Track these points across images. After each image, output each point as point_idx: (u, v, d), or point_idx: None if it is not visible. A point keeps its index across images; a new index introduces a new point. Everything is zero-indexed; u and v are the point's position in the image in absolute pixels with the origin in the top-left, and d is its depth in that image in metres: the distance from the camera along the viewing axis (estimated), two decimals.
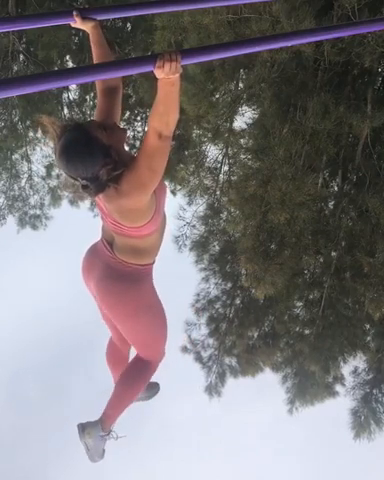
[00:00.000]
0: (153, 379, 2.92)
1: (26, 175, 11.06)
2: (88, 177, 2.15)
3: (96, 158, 2.13)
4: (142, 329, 2.68)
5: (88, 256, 2.67)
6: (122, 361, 2.94)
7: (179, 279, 8.69)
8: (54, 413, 8.74)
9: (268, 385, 8.92)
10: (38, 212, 10.84)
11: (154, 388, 3.09)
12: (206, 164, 9.77)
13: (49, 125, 2.16)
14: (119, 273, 2.53)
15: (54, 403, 8.84)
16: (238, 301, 9.42)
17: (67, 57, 10.89)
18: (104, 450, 2.80)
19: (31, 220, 10.78)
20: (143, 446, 9.28)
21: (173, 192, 9.50)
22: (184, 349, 9.07)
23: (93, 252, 2.64)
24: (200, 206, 9.53)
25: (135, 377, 2.77)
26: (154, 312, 2.68)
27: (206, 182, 9.64)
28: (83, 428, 2.71)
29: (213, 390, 9.11)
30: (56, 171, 10.78)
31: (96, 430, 2.72)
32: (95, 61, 2.48)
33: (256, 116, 9.06)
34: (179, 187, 9.71)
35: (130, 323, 2.65)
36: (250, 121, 9.18)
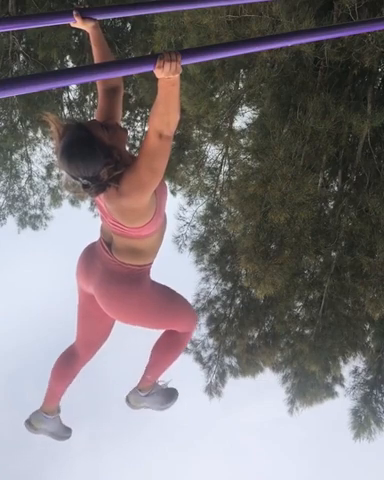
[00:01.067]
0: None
1: (26, 175, 11.06)
2: (89, 177, 2.15)
3: (97, 158, 2.13)
4: (159, 319, 2.70)
5: (86, 257, 2.66)
6: (72, 373, 2.91)
7: (179, 279, 8.68)
8: None
9: (268, 385, 8.92)
10: (38, 212, 10.84)
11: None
12: (206, 164, 9.77)
13: (53, 123, 2.16)
14: (118, 276, 2.52)
15: None
16: (238, 301, 9.42)
17: (67, 57, 10.89)
18: (172, 390, 2.98)
19: (31, 220, 10.78)
20: (143, 446, 9.28)
21: (173, 192, 9.50)
22: (184, 349, 9.06)
23: (91, 253, 2.62)
24: (200, 206, 9.53)
25: (173, 344, 2.85)
26: (160, 296, 2.68)
27: (206, 182, 9.65)
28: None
29: (213, 390, 9.11)
30: (56, 171, 10.78)
31: (138, 396, 2.91)
32: (95, 61, 2.48)
33: (256, 116, 9.06)
34: (179, 187, 9.71)
35: (144, 321, 2.69)
36: (250, 121, 9.18)
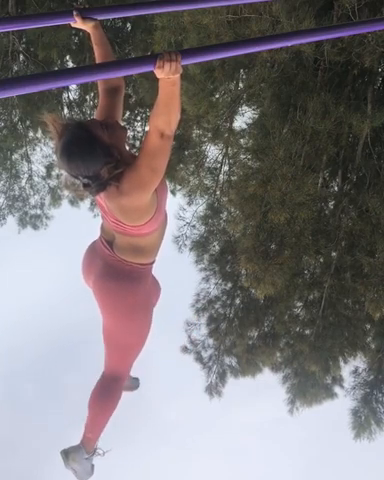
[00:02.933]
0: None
1: (26, 175, 11.06)
2: (89, 176, 2.15)
3: (98, 157, 2.13)
4: (130, 331, 2.64)
5: (88, 254, 2.67)
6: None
7: (179, 279, 8.68)
8: (52, 413, 8.75)
9: (268, 385, 8.92)
10: (38, 212, 10.84)
11: (135, 382, 3.05)
12: (206, 164, 9.77)
13: (51, 123, 2.16)
14: (117, 271, 2.53)
15: (52, 403, 8.84)
16: (238, 301, 9.42)
17: (67, 57, 10.89)
18: (93, 465, 2.78)
19: (31, 220, 10.78)
20: (143, 446, 9.28)
21: (173, 192, 9.50)
22: (184, 349, 9.07)
23: (92, 250, 2.64)
24: (200, 206, 9.53)
25: (106, 396, 2.71)
26: (144, 318, 2.65)
27: (206, 182, 9.64)
28: (66, 455, 2.69)
29: (213, 390, 9.11)
30: (56, 171, 10.78)
31: (80, 454, 2.69)
32: (97, 61, 2.48)
33: (256, 116, 9.06)
34: (179, 187, 9.71)
35: (121, 323, 2.62)
36: (250, 121, 9.18)
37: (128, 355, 2.71)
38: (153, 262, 2.63)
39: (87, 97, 11.09)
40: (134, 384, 3.06)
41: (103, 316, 2.66)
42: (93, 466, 2.78)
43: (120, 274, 2.52)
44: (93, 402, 2.71)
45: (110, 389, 2.70)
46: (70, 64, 10.79)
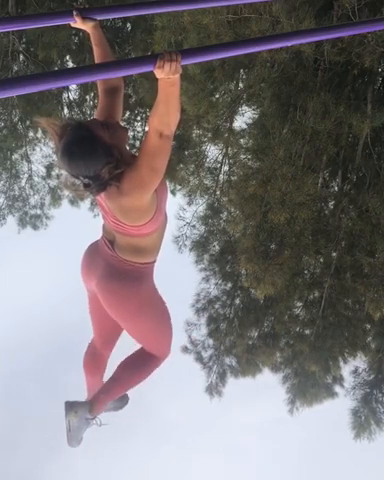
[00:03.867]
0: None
1: (26, 175, 11.06)
2: (90, 176, 2.15)
3: (98, 157, 2.14)
4: (147, 327, 2.68)
5: (89, 254, 2.67)
6: (101, 366, 2.88)
7: (179, 279, 8.68)
8: (51, 413, 8.73)
9: (268, 385, 8.92)
10: (38, 212, 10.84)
11: (124, 399, 2.99)
12: (206, 164, 9.77)
13: (48, 127, 2.16)
14: (121, 272, 2.53)
15: (52, 403, 8.83)
16: (238, 301, 9.42)
17: (67, 57, 10.89)
18: (82, 438, 2.75)
19: (31, 220, 10.78)
20: (143, 446, 9.28)
21: (173, 192, 9.50)
22: (184, 349, 9.07)
23: (94, 250, 2.64)
24: (200, 206, 9.53)
25: (140, 367, 2.75)
26: (157, 309, 2.68)
27: (206, 182, 9.64)
28: (71, 406, 2.67)
29: (214, 390, 9.11)
30: (56, 171, 10.78)
31: (83, 411, 2.68)
32: (96, 61, 2.48)
33: (256, 116, 9.06)
34: (179, 187, 9.71)
35: (134, 322, 2.66)
36: (250, 121, 9.18)
37: (157, 345, 2.75)
38: (154, 261, 2.63)
39: (87, 97, 11.09)
40: (122, 403, 3.01)
41: (115, 317, 2.68)
42: (82, 438, 2.76)
43: (123, 274, 2.53)
44: (125, 367, 2.74)
45: (146, 363, 2.75)
46: (70, 64, 10.79)
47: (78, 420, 2.66)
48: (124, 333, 2.85)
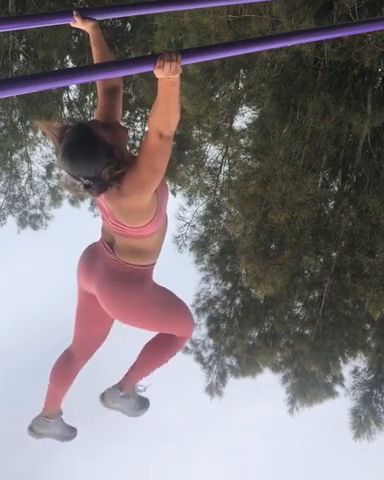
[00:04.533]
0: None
1: (26, 175, 11.06)
2: (91, 176, 2.14)
3: (99, 157, 2.13)
4: (158, 320, 2.68)
5: (87, 258, 2.64)
6: (70, 378, 2.88)
7: (179, 279, 8.67)
8: None
9: (268, 385, 8.92)
10: (38, 212, 10.84)
11: (72, 431, 2.99)
12: (206, 164, 9.77)
13: (46, 130, 2.16)
14: (120, 275, 2.51)
15: None
16: (238, 301, 9.42)
17: (67, 57, 10.89)
18: (143, 399, 2.89)
19: (31, 220, 10.78)
20: (143, 446, 9.27)
21: (173, 192, 9.49)
22: (184, 349, 9.07)
23: (92, 254, 2.62)
24: (200, 206, 9.53)
25: (166, 346, 2.78)
26: (162, 300, 2.67)
27: (206, 182, 9.64)
28: (102, 398, 2.81)
29: (214, 390, 9.11)
30: (56, 171, 10.78)
31: (115, 394, 2.78)
32: (95, 61, 2.48)
33: (256, 116, 9.06)
34: (179, 187, 9.70)
35: (144, 321, 2.66)
36: (250, 121, 9.18)
37: (178, 328, 2.75)
38: (154, 263, 2.62)
39: (87, 97, 11.09)
40: (70, 434, 2.98)
41: (122, 321, 2.68)
42: (144, 400, 2.89)
43: (123, 277, 2.51)
44: (151, 345, 2.79)
45: (173, 341, 2.77)
46: (70, 64, 10.79)
47: (120, 403, 2.81)
48: (105, 345, 2.87)
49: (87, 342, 2.83)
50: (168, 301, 2.70)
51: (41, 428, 2.84)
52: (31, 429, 2.84)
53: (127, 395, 2.82)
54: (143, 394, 2.90)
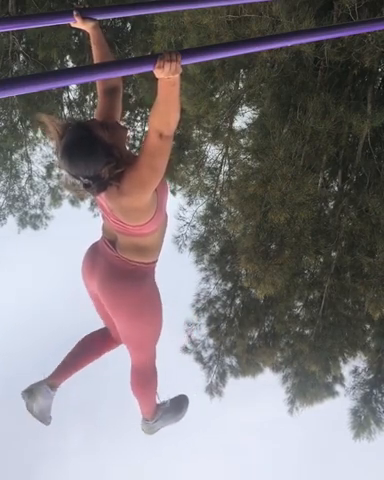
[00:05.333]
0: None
1: (26, 175, 11.06)
2: (90, 176, 2.15)
3: (99, 157, 2.13)
4: (143, 328, 2.67)
5: (89, 256, 2.66)
6: (97, 353, 2.91)
7: (179, 279, 8.68)
8: (51, 413, 8.71)
9: (268, 385, 8.92)
10: (38, 212, 10.84)
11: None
12: (206, 164, 9.77)
13: (49, 123, 2.16)
14: (123, 271, 2.53)
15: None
16: (238, 301, 9.42)
17: (67, 57, 10.89)
18: (180, 399, 3.04)
19: (31, 220, 10.78)
20: (142, 446, 9.27)
21: (173, 192, 9.50)
22: (184, 349, 9.07)
23: (94, 252, 2.63)
24: (200, 206, 9.53)
25: (145, 382, 2.86)
26: (156, 313, 2.68)
27: (206, 182, 9.65)
28: (144, 426, 3.02)
29: (214, 390, 9.11)
30: (56, 171, 10.78)
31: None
32: (95, 61, 2.48)
33: (256, 116, 9.06)
34: (179, 187, 9.71)
35: (132, 322, 2.64)
36: (250, 121, 9.18)
37: (148, 349, 2.78)
38: (156, 261, 2.63)
39: (87, 97, 11.09)
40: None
41: (114, 317, 2.67)
42: (179, 400, 3.02)
43: (125, 274, 2.53)
44: (137, 390, 2.88)
45: (146, 377, 2.84)
46: (70, 64, 10.80)
47: (162, 422, 2.99)
48: None
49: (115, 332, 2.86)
50: (160, 315, 2.72)
51: (39, 394, 2.74)
52: (30, 392, 2.73)
53: (158, 418, 2.98)
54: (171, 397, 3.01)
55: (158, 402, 2.96)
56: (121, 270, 2.52)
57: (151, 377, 2.86)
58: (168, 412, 2.98)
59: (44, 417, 2.78)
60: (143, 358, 2.79)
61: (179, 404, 3.01)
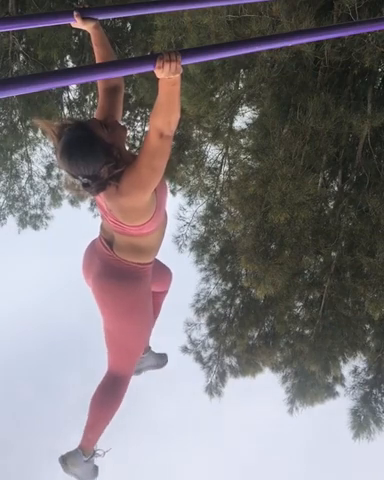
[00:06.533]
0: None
1: (26, 175, 11.06)
2: (89, 175, 2.15)
3: (98, 156, 2.13)
4: (129, 331, 2.63)
5: (87, 252, 2.67)
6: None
7: (179, 279, 8.66)
8: (48, 412, 8.73)
9: (268, 385, 8.92)
10: (38, 212, 10.84)
11: (163, 358, 3.13)
12: (206, 164, 9.77)
13: (46, 127, 2.16)
14: (117, 270, 2.52)
15: (49, 402, 8.84)
16: (238, 301, 9.42)
17: (67, 57, 10.89)
18: (96, 467, 2.72)
19: (32, 220, 10.78)
20: (142, 446, 9.28)
21: (173, 192, 9.50)
22: (184, 349, 9.07)
23: (92, 249, 2.64)
24: (200, 206, 9.53)
25: (109, 396, 2.67)
26: (145, 318, 2.64)
27: (206, 182, 9.64)
28: (64, 460, 2.63)
29: (213, 390, 9.11)
30: (56, 171, 10.78)
31: (78, 458, 2.63)
32: (97, 61, 2.48)
33: (256, 116, 9.06)
34: (179, 187, 9.71)
35: (120, 322, 2.61)
36: (250, 121, 9.18)
37: (130, 355, 2.70)
38: (152, 262, 2.62)
39: (87, 97, 11.09)
40: (162, 361, 3.15)
41: (102, 316, 2.66)
42: (96, 467, 2.73)
43: (119, 273, 2.52)
44: (95, 402, 2.67)
45: (114, 389, 2.67)
46: (70, 64, 10.79)
47: (79, 468, 2.64)
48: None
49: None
50: (149, 321, 2.68)
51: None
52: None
53: (90, 459, 2.67)
54: (96, 461, 2.73)
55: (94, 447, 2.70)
56: (115, 270, 2.52)
57: (119, 389, 2.67)
58: (92, 465, 2.70)
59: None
60: (120, 363, 2.68)
61: (95, 472, 2.73)
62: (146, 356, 3.03)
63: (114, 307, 2.59)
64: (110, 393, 2.67)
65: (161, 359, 3.14)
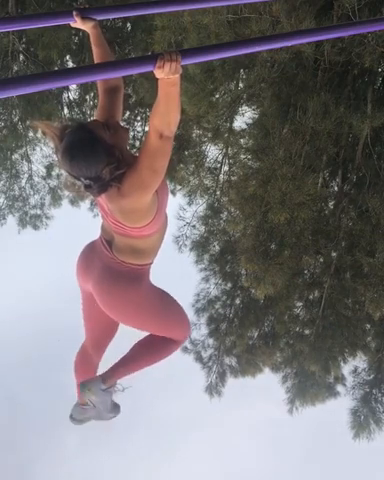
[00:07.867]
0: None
1: (26, 175, 11.06)
2: (91, 177, 2.14)
3: (100, 157, 2.13)
4: (153, 321, 2.65)
5: (85, 255, 2.65)
6: (91, 370, 2.84)
7: (179, 279, 8.68)
8: (47, 411, 8.74)
9: (268, 385, 8.92)
10: (38, 212, 10.84)
11: (116, 408, 2.83)
12: (206, 164, 9.77)
13: (46, 129, 2.16)
14: (117, 273, 2.51)
15: (48, 401, 8.85)
16: (238, 301, 9.42)
17: (67, 57, 10.89)
18: (116, 404, 2.73)
19: (32, 220, 10.78)
20: (142, 446, 9.28)
21: (173, 192, 9.50)
22: (184, 349, 9.07)
23: (90, 251, 2.62)
24: (200, 206, 9.53)
25: (160, 346, 2.72)
26: (158, 301, 2.65)
27: (206, 182, 9.65)
28: (83, 385, 2.64)
29: (213, 390, 9.11)
30: (56, 171, 10.79)
31: (97, 385, 2.64)
32: (95, 61, 2.48)
33: (256, 116, 9.06)
34: (179, 187, 9.71)
35: (139, 321, 2.64)
36: (250, 121, 9.18)
37: (174, 330, 2.72)
38: (151, 263, 2.62)
39: (87, 97, 11.09)
40: (113, 411, 2.83)
41: (118, 319, 2.67)
42: (116, 405, 2.73)
43: (119, 276, 2.51)
44: (143, 344, 2.72)
45: (169, 344, 2.71)
46: (70, 64, 10.80)
47: (96, 396, 2.64)
48: (116, 337, 2.83)
49: (95, 338, 2.82)
50: (165, 303, 2.68)
51: (80, 415, 2.73)
52: (72, 417, 2.75)
53: (107, 390, 2.66)
54: (117, 399, 2.74)
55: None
56: (116, 272, 2.51)
57: (171, 347, 2.72)
58: (110, 397, 2.69)
59: (101, 413, 2.68)
60: (174, 336, 2.71)
61: (115, 407, 2.73)
62: (89, 407, 2.73)
63: (124, 310, 2.59)
64: (164, 344, 2.71)
65: (113, 408, 2.79)
